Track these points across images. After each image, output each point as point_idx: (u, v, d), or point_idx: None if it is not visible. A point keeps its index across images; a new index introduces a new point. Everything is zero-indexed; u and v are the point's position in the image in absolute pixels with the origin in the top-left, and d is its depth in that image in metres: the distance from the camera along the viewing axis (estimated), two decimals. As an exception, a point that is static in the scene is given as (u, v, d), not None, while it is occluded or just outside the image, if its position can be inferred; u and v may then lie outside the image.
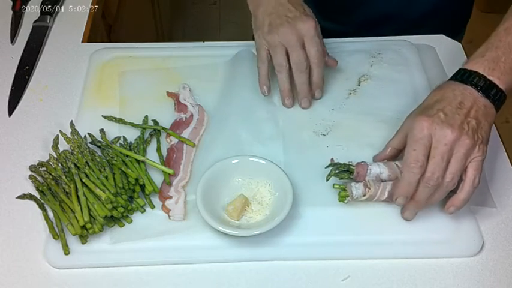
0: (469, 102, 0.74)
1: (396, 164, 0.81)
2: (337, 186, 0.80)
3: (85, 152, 0.83)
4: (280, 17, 0.88)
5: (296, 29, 0.87)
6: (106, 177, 0.79)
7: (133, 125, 0.90)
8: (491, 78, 0.75)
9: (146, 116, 0.91)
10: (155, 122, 0.90)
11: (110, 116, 0.91)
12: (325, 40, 1.03)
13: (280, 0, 0.89)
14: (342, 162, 0.82)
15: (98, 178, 0.79)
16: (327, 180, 0.81)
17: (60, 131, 0.87)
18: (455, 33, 1.14)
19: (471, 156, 0.73)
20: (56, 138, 0.86)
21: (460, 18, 1.20)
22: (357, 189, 0.79)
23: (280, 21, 0.87)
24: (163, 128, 0.89)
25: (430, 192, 0.74)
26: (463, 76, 0.76)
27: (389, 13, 1.09)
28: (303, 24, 0.87)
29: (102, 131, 0.87)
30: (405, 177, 0.74)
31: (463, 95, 0.75)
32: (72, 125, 0.88)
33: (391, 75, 0.98)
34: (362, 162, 0.81)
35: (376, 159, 0.83)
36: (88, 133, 0.87)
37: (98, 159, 0.82)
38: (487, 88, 0.75)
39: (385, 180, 0.80)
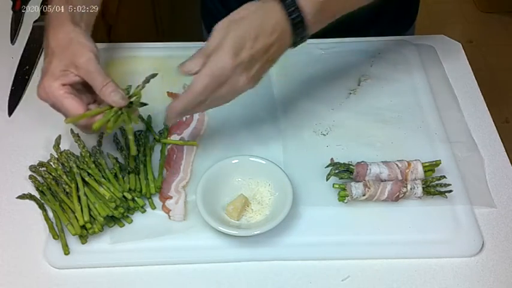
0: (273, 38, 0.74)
1: (396, 164, 0.81)
2: (337, 186, 0.80)
3: (94, 149, 0.84)
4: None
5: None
6: (115, 175, 0.80)
7: (141, 118, 0.89)
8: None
9: (149, 116, 0.91)
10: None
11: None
12: (324, 40, 1.04)
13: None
14: (341, 162, 0.82)
15: (102, 177, 0.79)
16: (327, 180, 0.81)
17: (71, 129, 0.87)
18: (402, 29, 1.14)
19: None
20: (58, 137, 0.86)
21: (407, 15, 1.17)
22: (356, 188, 0.79)
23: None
24: (155, 137, 0.88)
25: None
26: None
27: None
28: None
29: (101, 135, 0.87)
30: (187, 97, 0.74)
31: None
32: None
33: (391, 75, 0.99)
34: (362, 162, 0.81)
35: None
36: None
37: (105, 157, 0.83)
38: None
39: (385, 180, 0.80)
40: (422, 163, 0.81)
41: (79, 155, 0.84)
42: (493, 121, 0.91)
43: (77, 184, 0.79)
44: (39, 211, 0.80)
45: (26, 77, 1.00)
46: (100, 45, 1.06)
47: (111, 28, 1.39)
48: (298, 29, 0.75)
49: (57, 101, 0.77)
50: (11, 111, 0.95)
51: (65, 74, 0.78)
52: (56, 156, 0.84)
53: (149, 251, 0.76)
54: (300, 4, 0.74)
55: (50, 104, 0.79)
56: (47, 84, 0.77)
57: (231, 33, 0.72)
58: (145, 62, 1.01)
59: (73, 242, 0.76)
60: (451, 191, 0.80)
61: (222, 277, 0.74)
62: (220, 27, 0.74)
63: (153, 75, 0.81)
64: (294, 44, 0.77)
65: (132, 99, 0.78)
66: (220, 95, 0.74)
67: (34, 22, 1.10)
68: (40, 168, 0.83)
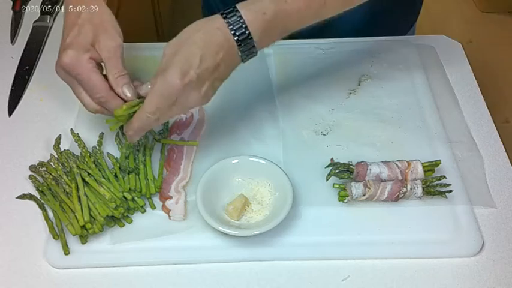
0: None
1: (396, 164, 0.81)
2: (337, 186, 0.80)
3: (94, 149, 0.84)
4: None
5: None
6: (115, 175, 0.80)
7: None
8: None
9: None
10: None
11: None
12: (324, 40, 1.04)
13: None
14: (341, 161, 0.82)
15: (102, 177, 0.79)
16: (327, 179, 0.81)
17: (71, 129, 0.87)
18: (403, 30, 1.13)
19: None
20: (58, 137, 0.86)
21: (408, 16, 1.16)
22: (356, 188, 0.79)
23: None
24: (155, 137, 0.88)
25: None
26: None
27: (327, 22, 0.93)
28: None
29: (101, 135, 0.87)
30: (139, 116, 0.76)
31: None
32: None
33: (391, 75, 0.99)
34: (362, 162, 0.82)
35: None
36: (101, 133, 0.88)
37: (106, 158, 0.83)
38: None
39: (385, 180, 0.80)
40: (422, 163, 0.81)
41: (79, 155, 0.84)
42: (493, 121, 0.91)
43: (77, 184, 0.79)
44: (39, 211, 0.80)
45: (26, 77, 1.00)
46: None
47: (111, 28, 1.39)
48: (246, 46, 0.74)
49: (84, 74, 0.76)
50: (11, 111, 0.95)
51: (92, 49, 0.78)
52: (56, 156, 0.84)
53: (149, 251, 0.76)
54: (246, 20, 0.73)
55: (72, 75, 0.77)
56: (76, 54, 0.76)
57: (178, 54, 0.73)
58: (145, 62, 1.01)
59: (73, 242, 0.76)
60: (451, 191, 0.80)
61: (222, 277, 0.74)
62: (168, 49, 0.75)
63: None
64: (244, 60, 0.77)
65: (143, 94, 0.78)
66: (174, 112, 0.76)
67: (34, 22, 1.10)
68: (40, 168, 0.83)
